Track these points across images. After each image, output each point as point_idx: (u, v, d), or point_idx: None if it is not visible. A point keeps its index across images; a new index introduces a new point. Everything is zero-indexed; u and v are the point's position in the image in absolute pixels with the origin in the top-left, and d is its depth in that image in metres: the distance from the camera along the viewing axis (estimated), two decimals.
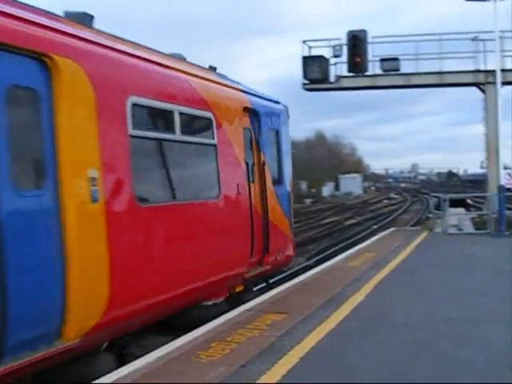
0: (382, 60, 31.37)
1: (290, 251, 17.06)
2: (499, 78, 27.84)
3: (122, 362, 9.47)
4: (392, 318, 11.30)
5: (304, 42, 31.17)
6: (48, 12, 8.79)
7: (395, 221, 51.49)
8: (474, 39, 30.89)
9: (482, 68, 30.72)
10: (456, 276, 16.05)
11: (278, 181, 16.32)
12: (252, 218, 14.13)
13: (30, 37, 7.93)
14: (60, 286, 8.04)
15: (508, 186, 27.91)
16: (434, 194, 39.17)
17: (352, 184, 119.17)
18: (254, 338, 9.80)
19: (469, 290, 13.99)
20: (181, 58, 12.60)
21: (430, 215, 36.21)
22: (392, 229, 33.00)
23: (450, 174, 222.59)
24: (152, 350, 9.30)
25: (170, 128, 11.16)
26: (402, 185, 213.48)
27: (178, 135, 11.24)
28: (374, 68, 31.33)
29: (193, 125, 12.32)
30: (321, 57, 31.03)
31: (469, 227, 29.33)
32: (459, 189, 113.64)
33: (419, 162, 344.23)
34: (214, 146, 12.56)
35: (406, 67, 31.74)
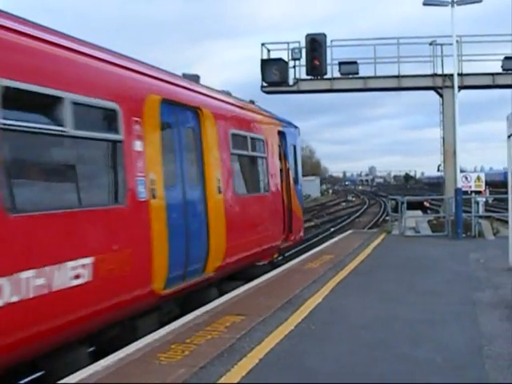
0: (341, 63, 31.57)
1: (302, 233, 24.07)
2: (456, 81, 28.18)
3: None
4: (350, 320, 11.37)
5: (263, 44, 31.23)
6: (174, 74, 14.24)
7: (353, 223, 51.80)
8: (431, 43, 31.23)
9: (439, 72, 31.06)
10: (413, 278, 16.17)
11: (296, 181, 22.76)
12: (283, 206, 20.55)
13: (194, 98, 14.31)
14: (205, 241, 13.89)
15: (465, 189, 28.09)
16: (391, 197, 39.43)
17: (310, 186, 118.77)
18: (214, 339, 9.80)
19: (426, 291, 14.08)
20: (228, 93, 18.07)
21: (388, 218, 36.48)
22: (350, 231, 33.16)
23: (407, 177, 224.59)
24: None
25: (246, 147, 17.47)
26: (360, 187, 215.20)
27: (249, 152, 17.79)
28: (332, 71, 31.53)
29: (256, 144, 18.48)
30: (280, 60, 31.11)
31: (426, 229, 29.58)
32: (417, 191, 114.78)
33: (377, 165, 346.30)
34: (265, 158, 19.08)
35: (364, 71, 32.03)
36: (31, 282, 8.25)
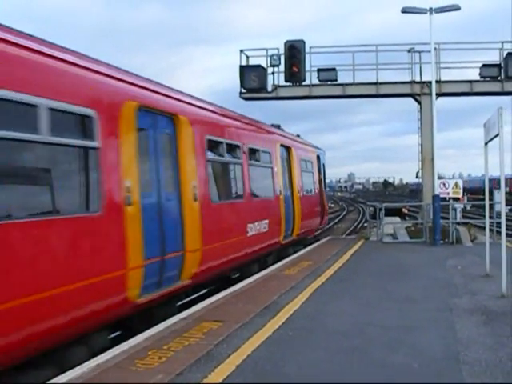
0: (320, 70, 31.53)
1: (327, 221, 38.18)
2: (434, 88, 28.27)
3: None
4: (328, 326, 11.38)
5: (241, 51, 31.11)
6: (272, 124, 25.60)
7: (331, 229, 51.80)
8: (409, 50, 31.27)
9: (417, 79, 31.14)
10: (391, 284, 16.21)
11: (324, 187, 34.92)
12: (320, 202, 31.87)
13: (287, 141, 26.02)
14: (292, 220, 24.59)
15: (442, 196, 28.20)
16: (370, 203, 39.61)
17: None
18: (191, 346, 9.79)
19: (404, 297, 14.14)
20: (279, 127, 26.86)
21: (366, 224, 36.56)
22: (328, 237, 33.22)
23: (386, 184, 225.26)
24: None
25: (306, 166, 28.64)
26: (339, 194, 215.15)
27: (307, 169, 28.94)
28: (311, 78, 31.51)
29: (309, 164, 29.95)
30: (258, 66, 31.01)
31: (404, 236, 29.69)
32: (395, 198, 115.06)
33: (356, 172, 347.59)
34: (313, 172, 30.56)
35: (343, 78, 31.98)
36: (256, 227, 19.21)
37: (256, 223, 19.20)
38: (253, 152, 20.12)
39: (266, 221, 20.46)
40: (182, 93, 15.07)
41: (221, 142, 16.95)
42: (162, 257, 12.58)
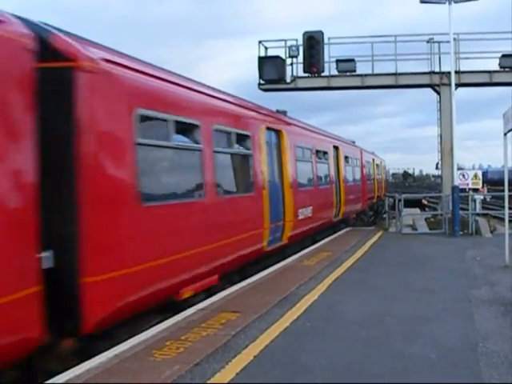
0: (338, 61, 31.47)
1: (382, 194, 56.23)
2: (453, 79, 28.10)
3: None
4: (346, 317, 11.37)
5: (260, 42, 31.10)
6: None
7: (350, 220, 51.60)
8: (428, 41, 31.14)
9: (436, 70, 31.00)
10: (410, 275, 16.17)
11: (373, 178, 49.15)
12: (363, 188, 39.65)
13: (336, 143, 32.11)
14: (337, 199, 30.08)
15: (462, 187, 28.08)
16: (389, 194, 39.73)
17: None
18: (209, 336, 9.80)
19: (423, 288, 14.09)
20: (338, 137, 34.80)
21: (385, 215, 36.55)
22: (347, 228, 33.13)
23: (406, 175, 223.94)
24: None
25: (352, 162, 36.15)
26: None
27: (358, 167, 39.24)
28: (330, 69, 31.46)
29: (352, 160, 37.08)
30: (277, 57, 30.99)
31: (423, 227, 29.60)
32: (415, 189, 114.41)
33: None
34: (360, 167, 39.73)
35: (362, 69, 31.92)
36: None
37: (318, 205, 25.10)
38: (317, 152, 25.93)
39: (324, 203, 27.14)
40: (282, 113, 22.43)
41: (302, 147, 23.26)
42: (275, 223, 18.72)
